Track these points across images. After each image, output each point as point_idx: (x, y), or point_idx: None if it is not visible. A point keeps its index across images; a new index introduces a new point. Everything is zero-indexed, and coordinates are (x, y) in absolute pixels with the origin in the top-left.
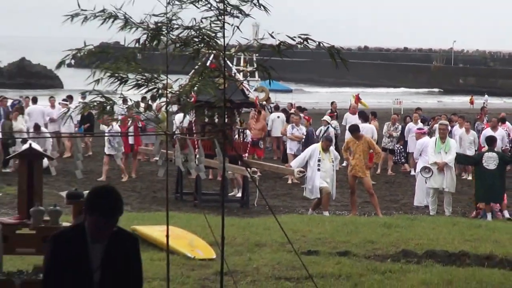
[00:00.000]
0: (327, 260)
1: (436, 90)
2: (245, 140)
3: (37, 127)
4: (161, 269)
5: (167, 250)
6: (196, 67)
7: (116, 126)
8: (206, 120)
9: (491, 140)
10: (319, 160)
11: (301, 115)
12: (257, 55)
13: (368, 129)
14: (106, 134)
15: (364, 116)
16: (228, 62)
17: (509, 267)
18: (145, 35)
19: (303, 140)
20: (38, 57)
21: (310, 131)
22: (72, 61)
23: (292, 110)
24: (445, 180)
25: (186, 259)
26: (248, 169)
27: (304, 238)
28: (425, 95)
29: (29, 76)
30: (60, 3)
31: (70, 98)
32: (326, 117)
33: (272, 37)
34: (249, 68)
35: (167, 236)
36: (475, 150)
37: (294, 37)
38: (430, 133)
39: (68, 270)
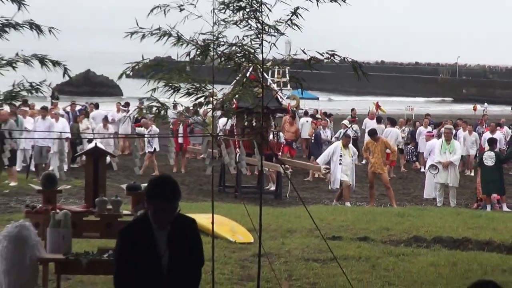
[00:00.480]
0: (349, 244)
1: (449, 99)
2: (278, 141)
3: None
4: (206, 251)
5: (212, 235)
6: (238, 78)
7: (154, 128)
8: (246, 123)
9: (491, 142)
10: (340, 156)
11: (327, 119)
12: (289, 68)
13: (394, 133)
14: (158, 135)
15: (392, 122)
16: (265, 74)
17: (506, 251)
18: (195, 50)
19: (312, 140)
20: (101, 69)
21: (318, 133)
22: (131, 73)
23: (318, 115)
24: (449, 176)
25: (228, 243)
26: (282, 165)
27: (329, 225)
28: (437, 103)
29: (94, 85)
30: (118, 23)
31: (127, 104)
32: (345, 121)
33: (304, 53)
34: (283, 79)
35: (212, 223)
36: (477, 149)
37: (323, 53)
38: (439, 136)
39: (138, 258)
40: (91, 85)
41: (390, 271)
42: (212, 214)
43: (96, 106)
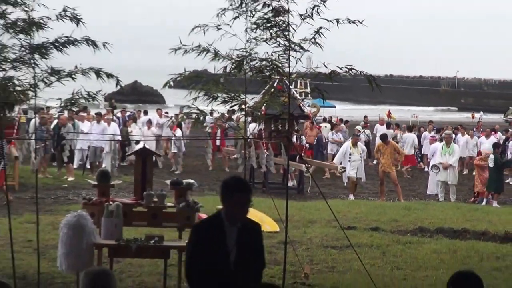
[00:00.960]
0: (362, 234)
1: (454, 108)
2: (301, 143)
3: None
4: None
5: None
6: (266, 88)
7: (179, 131)
8: (273, 128)
9: (494, 146)
10: (350, 154)
11: (343, 125)
12: (310, 80)
13: (410, 138)
14: (196, 138)
15: (409, 128)
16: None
17: (499, 241)
18: (230, 65)
19: (314, 142)
20: (147, 80)
21: (319, 137)
22: (172, 83)
23: (333, 121)
24: (449, 175)
25: None
26: (305, 165)
27: (345, 217)
28: (443, 112)
29: (140, 94)
30: (160, 40)
31: (167, 112)
32: (358, 127)
33: (326, 67)
34: (305, 90)
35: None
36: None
37: (342, 67)
38: (441, 139)
39: (209, 252)
40: (138, 94)
41: (398, 257)
42: None
43: (145, 112)
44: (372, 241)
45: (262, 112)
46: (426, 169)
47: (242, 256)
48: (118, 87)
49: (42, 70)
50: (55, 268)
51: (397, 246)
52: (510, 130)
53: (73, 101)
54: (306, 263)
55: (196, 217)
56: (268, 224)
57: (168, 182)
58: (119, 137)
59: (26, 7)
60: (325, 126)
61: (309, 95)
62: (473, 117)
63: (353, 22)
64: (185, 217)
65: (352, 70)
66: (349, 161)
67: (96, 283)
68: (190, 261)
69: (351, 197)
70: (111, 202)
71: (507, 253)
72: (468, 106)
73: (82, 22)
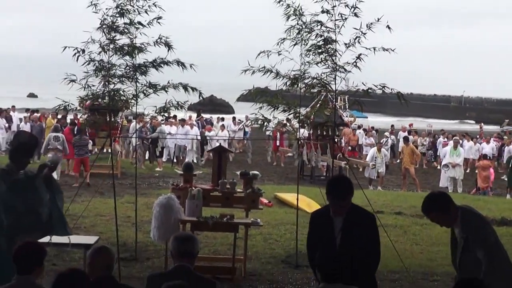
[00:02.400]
0: (388, 217)
1: (472, 121)
2: (340, 145)
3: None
4: (291, 218)
5: (296, 208)
6: (314, 102)
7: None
8: (319, 132)
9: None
10: (375, 158)
11: (373, 131)
12: (348, 96)
13: (467, 146)
14: (260, 139)
15: (470, 137)
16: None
17: (497, 224)
18: (288, 82)
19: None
20: (220, 94)
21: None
22: (241, 97)
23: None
24: (456, 172)
25: (305, 213)
26: (345, 162)
27: (375, 203)
28: (459, 123)
29: (215, 105)
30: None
31: (234, 119)
32: (386, 133)
33: (364, 84)
34: (343, 103)
35: (297, 199)
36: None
37: (376, 85)
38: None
39: (321, 235)
40: (214, 105)
41: (417, 235)
42: (297, 193)
43: (222, 119)
44: (396, 223)
45: (311, 120)
46: (438, 167)
47: (346, 243)
48: (200, 98)
49: (142, 84)
50: (148, 238)
51: (416, 227)
52: (505, 137)
53: (165, 109)
54: None
55: (259, 201)
56: (314, 207)
57: (238, 173)
58: (199, 138)
59: (130, 35)
60: (359, 133)
61: (347, 107)
62: (481, 127)
63: (386, 50)
64: (251, 200)
65: (385, 88)
66: (374, 163)
67: (183, 242)
68: (308, 242)
69: (379, 187)
70: (193, 188)
71: (503, 234)
72: (472, 119)
73: (172, 48)
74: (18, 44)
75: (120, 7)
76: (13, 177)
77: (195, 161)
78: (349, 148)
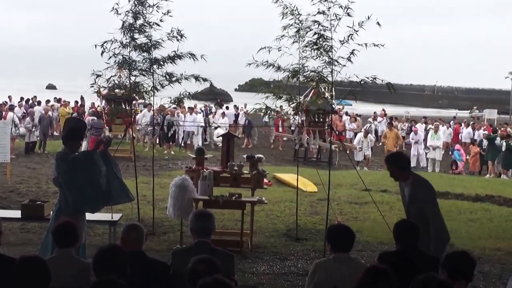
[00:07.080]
0: (376, 194)
1: (455, 110)
2: (332, 130)
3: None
4: (289, 196)
5: (297, 188)
6: (306, 92)
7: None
8: (311, 118)
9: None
10: (362, 142)
11: (359, 118)
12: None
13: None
14: (262, 126)
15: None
16: (324, 90)
17: (472, 200)
18: (288, 75)
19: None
20: (220, 85)
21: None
22: (238, 87)
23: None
24: (436, 154)
25: (302, 192)
26: (336, 145)
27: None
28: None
29: (215, 94)
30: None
31: (235, 106)
32: (369, 119)
33: (357, 77)
34: (332, 93)
35: (297, 179)
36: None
37: (368, 77)
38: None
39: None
40: (214, 94)
41: (401, 210)
42: (297, 173)
43: (227, 108)
44: (382, 199)
45: (304, 108)
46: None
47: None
48: (202, 87)
49: (159, 75)
50: (164, 214)
51: (400, 203)
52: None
53: (180, 99)
54: (338, 214)
55: (264, 181)
56: (310, 186)
57: (244, 156)
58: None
59: (147, 34)
60: (346, 119)
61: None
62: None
63: (377, 45)
64: (257, 180)
65: (376, 79)
66: (361, 147)
67: (202, 220)
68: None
69: (365, 168)
70: (205, 170)
71: (477, 209)
72: (444, 106)
73: (184, 36)
74: (34, 37)
75: (133, 11)
76: (71, 157)
77: (200, 144)
78: (336, 132)
